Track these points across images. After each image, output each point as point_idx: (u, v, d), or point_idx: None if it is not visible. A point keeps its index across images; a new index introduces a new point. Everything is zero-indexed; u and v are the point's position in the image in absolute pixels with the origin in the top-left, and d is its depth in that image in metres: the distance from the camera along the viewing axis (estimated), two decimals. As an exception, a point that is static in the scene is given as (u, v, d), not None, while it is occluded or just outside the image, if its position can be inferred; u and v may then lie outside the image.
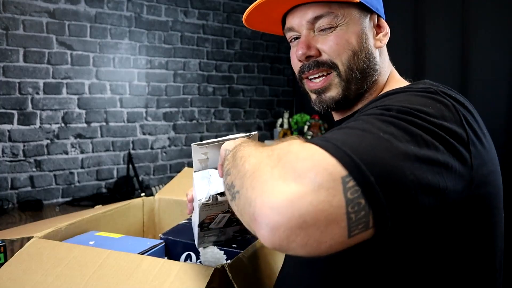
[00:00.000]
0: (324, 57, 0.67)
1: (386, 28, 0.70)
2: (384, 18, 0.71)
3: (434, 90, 0.53)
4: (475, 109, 0.58)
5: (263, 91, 3.55)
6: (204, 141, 0.74)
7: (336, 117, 0.76)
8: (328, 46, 0.66)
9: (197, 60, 3.16)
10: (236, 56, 3.36)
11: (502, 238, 0.59)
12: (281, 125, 3.39)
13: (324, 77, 0.68)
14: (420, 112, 0.47)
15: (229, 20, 3.30)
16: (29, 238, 0.77)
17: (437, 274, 0.54)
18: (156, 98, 2.99)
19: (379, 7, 0.70)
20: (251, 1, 3.36)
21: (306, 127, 3.14)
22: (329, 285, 0.60)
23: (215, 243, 0.83)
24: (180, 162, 3.15)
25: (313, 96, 0.71)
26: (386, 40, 0.70)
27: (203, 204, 0.70)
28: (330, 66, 0.67)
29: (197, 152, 0.75)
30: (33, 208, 2.40)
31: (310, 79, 0.70)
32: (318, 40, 0.67)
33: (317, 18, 0.66)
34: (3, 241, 0.80)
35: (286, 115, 3.38)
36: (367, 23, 0.68)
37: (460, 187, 0.48)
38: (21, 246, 0.75)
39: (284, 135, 3.32)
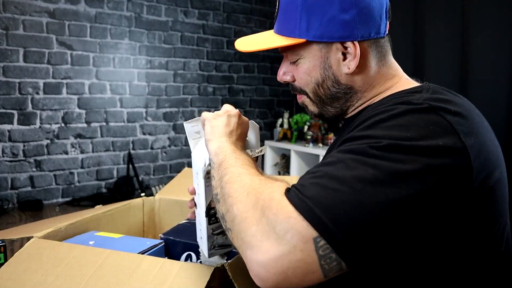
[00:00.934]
0: (297, 84, 0.73)
1: (353, 51, 0.65)
2: (358, 38, 0.65)
3: (427, 107, 0.53)
4: (480, 115, 0.58)
5: (263, 91, 3.55)
6: (195, 118, 0.77)
7: (349, 114, 0.77)
8: (298, 77, 0.72)
9: (197, 60, 3.16)
10: (236, 56, 3.36)
11: (509, 244, 0.59)
12: (281, 125, 3.39)
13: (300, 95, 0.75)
14: (405, 142, 0.49)
15: (229, 20, 3.30)
16: (29, 238, 0.77)
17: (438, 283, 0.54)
18: (156, 98, 2.99)
19: (348, 31, 0.65)
20: (251, 1, 3.36)
21: (306, 127, 3.14)
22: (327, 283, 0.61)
23: (224, 247, 0.77)
24: (180, 162, 3.15)
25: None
26: (354, 64, 0.66)
27: (206, 172, 0.68)
28: (300, 92, 0.73)
29: (191, 132, 0.76)
30: (33, 208, 2.40)
31: None
32: (293, 69, 0.72)
33: (284, 51, 0.72)
34: (3, 241, 0.80)
35: (286, 115, 3.38)
36: (331, 52, 0.67)
37: (459, 201, 0.49)
38: (21, 246, 0.74)
39: (284, 135, 3.32)
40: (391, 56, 0.71)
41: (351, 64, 0.66)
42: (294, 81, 0.73)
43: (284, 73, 0.74)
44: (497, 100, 1.91)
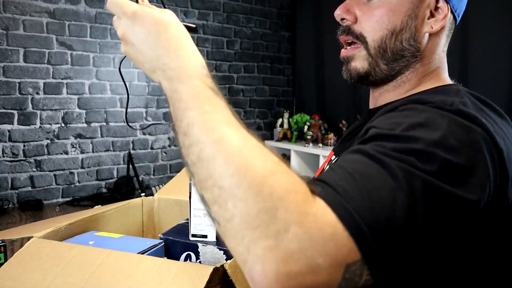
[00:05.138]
0: (357, 27, 0.63)
1: (443, 13, 0.61)
2: (452, 4, 0.62)
3: (464, 113, 0.48)
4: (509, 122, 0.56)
5: (263, 91, 3.55)
6: None
7: (371, 104, 0.71)
8: (366, 19, 0.62)
9: (197, 60, 3.16)
10: (236, 56, 3.36)
11: None
12: (281, 125, 3.39)
13: (353, 45, 0.65)
14: (443, 150, 0.44)
15: (229, 20, 3.30)
16: (29, 238, 0.77)
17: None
18: (156, 98, 3.00)
19: None
20: (251, 1, 3.36)
21: (306, 127, 3.14)
22: None
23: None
24: (180, 162, 3.15)
25: (344, 65, 0.68)
26: (439, 26, 0.61)
27: None
28: (358, 38, 0.63)
29: None
30: (33, 208, 2.40)
31: (343, 46, 0.67)
32: (363, 8, 0.63)
33: None
34: (3, 241, 0.80)
35: (286, 115, 3.38)
36: (423, 3, 0.61)
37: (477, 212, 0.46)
38: (21, 246, 0.75)
39: (284, 135, 3.32)
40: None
41: (436, 24, 0.61)
42: (354, 23, 0.63)
43: (348, 11, 0.63)
44: (497, 100, 1.91)
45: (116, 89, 2.82)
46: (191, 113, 0.43)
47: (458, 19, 0.65)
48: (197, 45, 3.13)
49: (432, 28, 0.61)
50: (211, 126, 0.41)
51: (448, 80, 0.66)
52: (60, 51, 2.59)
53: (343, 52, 0.66)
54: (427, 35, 0.62)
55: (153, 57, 0.47)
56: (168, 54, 0.47)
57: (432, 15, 0.61)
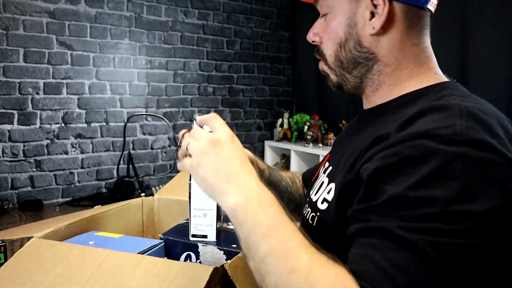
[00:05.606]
0: (322, 46, 0.67)
1: (381, 8, 0.58)
2: None
3: (476, 143, 0.46)
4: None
5: (263, 91, 3.55)
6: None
7: (365, 105, 0.70)
8: (325, 38, 0.66)
9: (197, 60, 3.16)
10: (236, 56, 3.36)
11: None
12: (281, 125, 3.39)
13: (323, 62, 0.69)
14: (466, 203, 0.43)
15: (229, 20, 3.30)
16: (29, 238, 0.77)
17: None
18: (156, 98, 2.99)
19: None
20: (251, 1, 3.36)
21: (306, 127, 3.14)
22: None
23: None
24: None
25: None
26: (380, 23, 0.59)
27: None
28: (322, 56, 0.68)
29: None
30: (33, 208, 2.40)
31: None
32: (323, 27, 0.66)
33: (316, 3, 0.67)
34: (3, 241, 0.80)
35: (286, 115, 3.38)
36: (360, 8, 0.60)
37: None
38: (21, 246, 0.75)
39: (284, 135, 3.32)
40: (428, 39, 0.63)
41: (376, 23, 0.59)
42: (321, 43, 0.67)
43: (315, 34, 0.67)
44: (497, 100, 1.91)
45: (116, 89, 2.82)
46: (272, 241, 0.46)
47: (422, 3, 0.60)
48: (197, 45, 3.11)
49: (373, 28, 0.60)
50: (289, 255, 0.45)
51: (437, 76, 0.63)
52: (60, 51, 2.59)
53: (320, 66, 0.70)
54: (372, 38, 0.61)
55: (231, 175, 0.51)
56: (249, 178, 0.51)
57: (373, 15, 0.60)
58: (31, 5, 2.47)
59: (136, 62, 2.89)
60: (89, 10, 2.68)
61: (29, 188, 2.54)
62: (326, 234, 0.61)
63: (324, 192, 0.64)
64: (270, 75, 3.57)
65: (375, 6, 0.59)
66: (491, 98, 0.57)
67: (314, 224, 0.64)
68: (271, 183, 0.90)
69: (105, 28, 2.75)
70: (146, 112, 2.97)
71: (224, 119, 0.75)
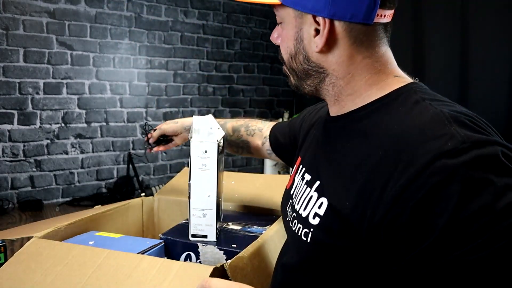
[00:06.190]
0: (280, 50, 0.68)
1: (322, 27, 0.58)
2: (329, 16, 0.57)
3: (490, 141, 0.47)
4: None
5: (263, 91, 3.55)
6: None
7: (331, 111, 0.70)
8: (281, 43, 0.67)
9: (197, 60, 3.16)
10: (236, 56, 3.36)
11: None
12: (281, 125, 3.40)
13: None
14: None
15: (229, 20, 3.30)
16: (29, 238, 0.77)
17: None
18: (156, 98, 3.00)
19: (321, 4, 0.57)
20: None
21: (306, 127, 3.14)
22: None
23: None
24: (180, 162, 3.15)
25: None
26: (322, 42, 0.59)
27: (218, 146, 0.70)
28: (280, 58, 0.69)
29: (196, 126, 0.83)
30: (33, 208, 2.40)
31: None
32: (280, 33, 0.67)
33: (274, 9, 0.66)
34: (3, 241, 0.80)
35: (286, 115, 3.38)
36: (305, 25, 0.61)
37: None
38: (21, 246, 0.75)
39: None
40: (384, 48, 0.62)
41: (319, 42, 0.59)
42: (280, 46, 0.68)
43: (275, 36, 0.68)
44: (497, 100, 1.91)
45: (116, 89, 2.83)
46: None
47: (367, 20, 0.57)
48: (197, 45, 3.12)
49: (317, 47, 0.60)
50: None
51: (398, 78, 0.62)
52: (60, 51, 2.59)
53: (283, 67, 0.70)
54: (319, 54, 0.61)
55: None
56: None
57: (317, 33, 0.60)
58: (31, 5, 2.48)
59: (136, 62, 2.89)
60: (89, 10, 2.68)
61: (29, 188, 2.54)
62: (322, 249, 0.60)
63: (314, 207, 0.63)
64: (270, 75, 3.57)
65: (317, 23, 0.59)
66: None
67: (308, 240, 0.62)
68: None
69: (105, 28, 2.75)
70: (146, 112, 2.97)
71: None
